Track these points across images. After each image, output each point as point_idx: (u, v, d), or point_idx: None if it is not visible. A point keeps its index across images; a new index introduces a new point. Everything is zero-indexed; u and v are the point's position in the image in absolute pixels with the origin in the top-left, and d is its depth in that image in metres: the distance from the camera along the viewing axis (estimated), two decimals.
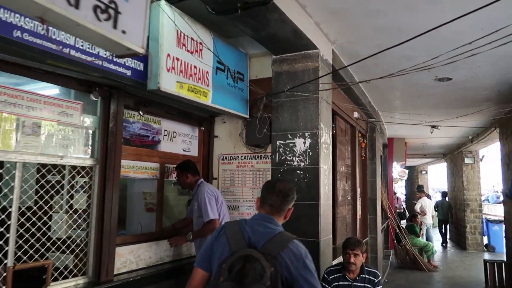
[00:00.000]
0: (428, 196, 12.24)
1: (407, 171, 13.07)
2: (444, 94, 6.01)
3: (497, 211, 19.72)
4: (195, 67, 3.22)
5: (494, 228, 11.93)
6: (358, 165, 6.30)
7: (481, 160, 12.48)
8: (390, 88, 5.81)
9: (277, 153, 3.82)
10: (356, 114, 5.98)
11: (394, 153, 11.18)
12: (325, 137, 3.84)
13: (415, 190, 20.34)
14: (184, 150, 4.03)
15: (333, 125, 4.63)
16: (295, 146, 3.76)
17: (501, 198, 12.08)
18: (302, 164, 3.71)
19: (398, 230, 9.34)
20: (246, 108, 4.01)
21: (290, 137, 3.79)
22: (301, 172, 3.70)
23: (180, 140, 3.98)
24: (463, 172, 12.50)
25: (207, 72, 3.38)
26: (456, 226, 13.60)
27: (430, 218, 10.99)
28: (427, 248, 9.45)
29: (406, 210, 12.67)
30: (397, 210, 12.07)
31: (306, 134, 3.72)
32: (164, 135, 3.77)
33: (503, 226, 8.94)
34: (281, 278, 1.83)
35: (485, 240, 12.26)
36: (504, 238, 8.39)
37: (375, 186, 7.10)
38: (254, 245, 1.92)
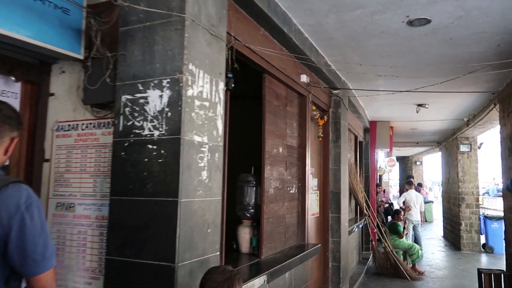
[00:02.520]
0: (417, 189, 10.68)
1: (394, 159, 11.48)
2: (423, 50, 4.43)
3: (498, 206, 18.24)
4: None
5: (492, 226, 10.39)
6: (310, 147, 4.75)
7: (479, 147, 10.90)
8: (348, 40, 4.22)
9: (121, 116, 2.27)
10: (304, 78, 4.42)
11: (377, 139, 9.62)
12: (203, 90, 2.28)
13: None
14: None
15: (232, 79, 3.03)
16: (148, 102, 2.21)
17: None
18: (156, 133, 2.16)
19: (376, 230, 7.80)
20: (78, 42, 2.44)
21: (141, 88, 2.23)
22: (154, 147, 2.16)
23: None
24: (458, 161, 10.94)
25: None
26: (450, 223, 12.08)
27: (417, 214, 9.43)
28: (411, 251, 7.92)
29: (393, 205, 11.09)
30: (383, 205, 10.54)
31: (164, 82, 2.17)
32: None
33: (503, 223, 7.48)
34: None
35: (483, 239, 10.73)
36: (504, 240, 6.85)
37: (339, 176, 5.55)
38: None
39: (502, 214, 8.58)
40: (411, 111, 7.94)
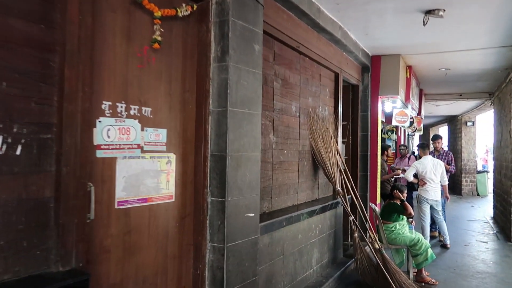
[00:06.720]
0: (432, 153, 7.58)
1: (410, 114, 8.25)
2: None
3: None
4: None
5: None
6: (109, 57, 2.15)
7: None
8: None
9: None
10: None
11: (382, 82, 6.59)
12: None
13: (458, 148, 15.24)
14: None
15: None
16: None
17: None
18: None
19: (351, 217, 4.98)
20: None
21: None
22: None
23: None
24: None
25: None
26: (500, 201, 8.81)
27: (435, 190, 6.39)
28: (415, 250, 5.05)
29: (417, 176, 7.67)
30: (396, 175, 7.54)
31: None
32: None
33: None
34: None
35: None
36: None
37: (225, 126, 2.88)
38: None
39: None
40: (420, 28, 4.88)
